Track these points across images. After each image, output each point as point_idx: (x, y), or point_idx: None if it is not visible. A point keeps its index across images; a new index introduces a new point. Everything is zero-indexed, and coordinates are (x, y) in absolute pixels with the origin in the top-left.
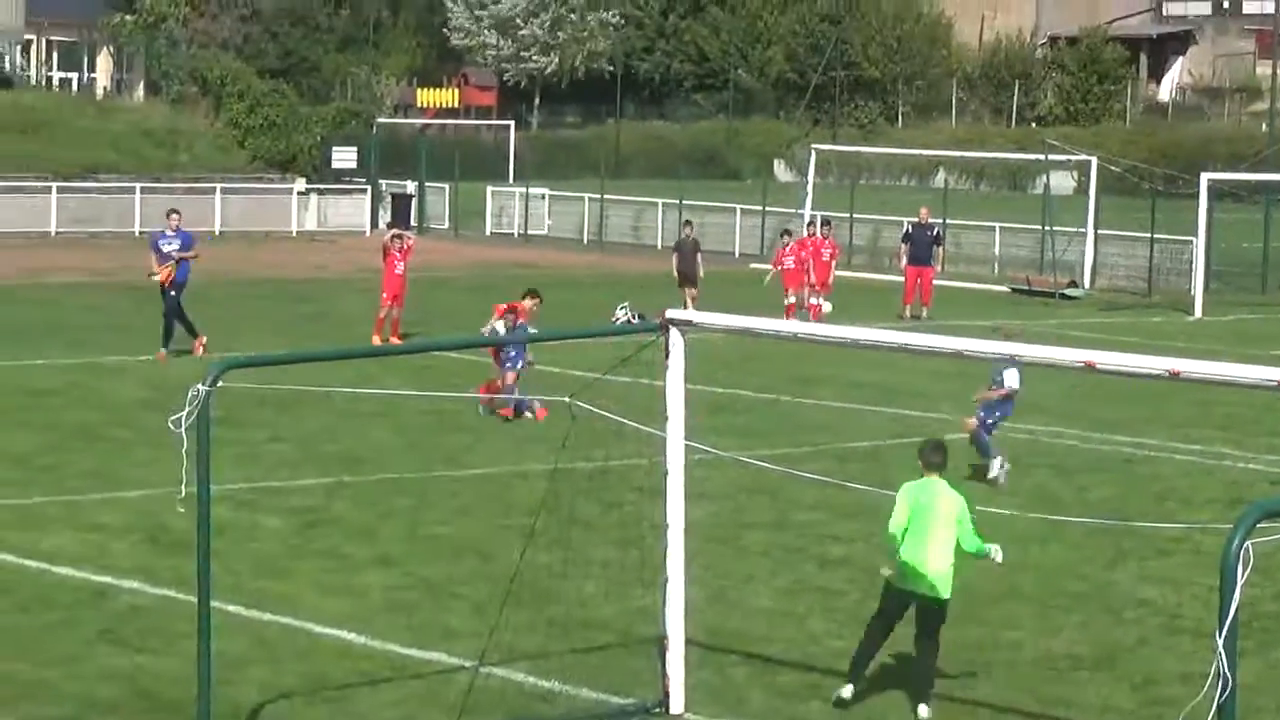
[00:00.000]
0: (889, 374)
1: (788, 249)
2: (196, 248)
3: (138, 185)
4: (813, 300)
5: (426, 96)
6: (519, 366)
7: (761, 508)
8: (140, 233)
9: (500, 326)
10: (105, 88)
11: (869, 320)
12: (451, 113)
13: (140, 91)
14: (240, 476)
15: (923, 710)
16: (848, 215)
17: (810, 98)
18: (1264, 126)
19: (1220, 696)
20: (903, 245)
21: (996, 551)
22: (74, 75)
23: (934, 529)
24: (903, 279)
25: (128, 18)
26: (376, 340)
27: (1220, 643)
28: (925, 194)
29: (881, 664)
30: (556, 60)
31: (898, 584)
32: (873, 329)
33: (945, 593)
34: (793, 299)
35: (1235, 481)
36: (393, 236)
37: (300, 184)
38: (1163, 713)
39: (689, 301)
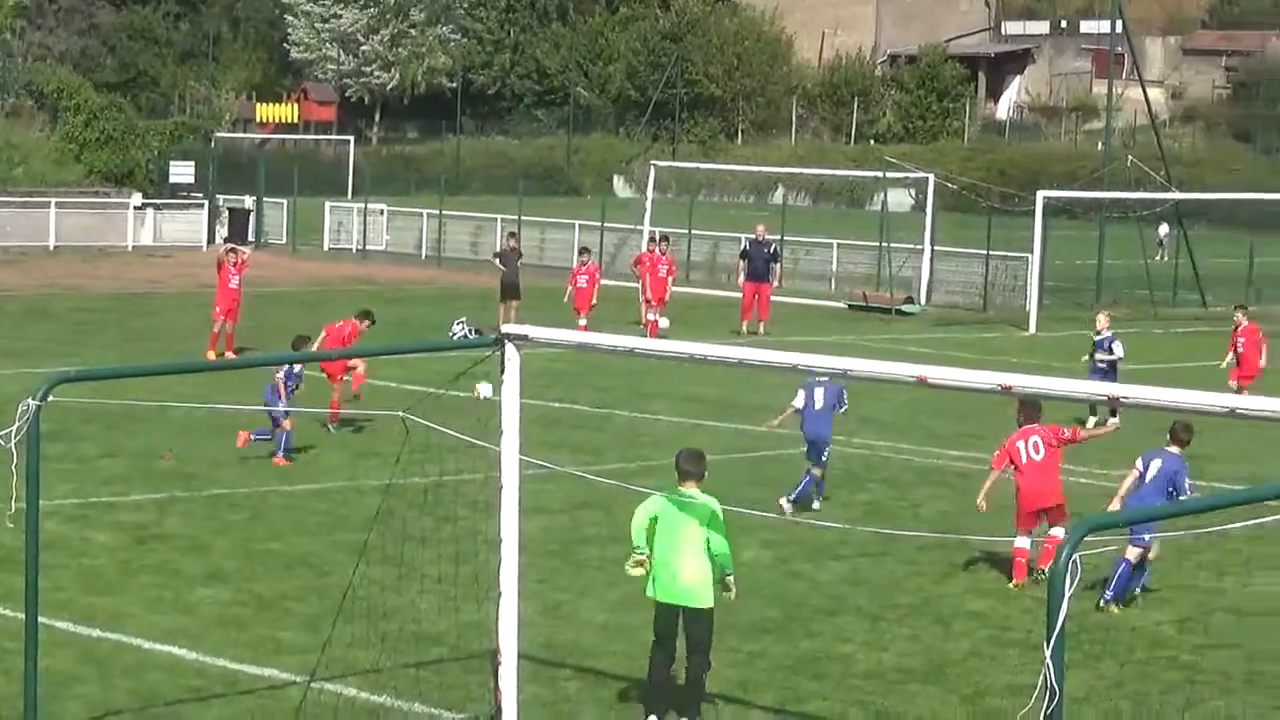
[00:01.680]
0: (726, 389)
1: (584, 267)
2: None
3: None
4: (650, 316)
5: (266, 111)
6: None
7: (596, 522)
8: None
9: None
10: None
11: (707, 335)
12: (291, 128)
13: None
14: (71, 492)
15: None
16: (686, 231)
17: (650, 114)
18: (1099, 145)
19: (1048, 708)
20: (741, 261)
21: (732, 584)
22: None
23: (686, 539)
24: (740, 295)
25: None
26: (212, 355)
27: (1048, 654)
28: (764, 211)
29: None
30: (397, 76)
31: (660, 597)
32: (710, 344)
33: (707, 601)
34: (584, 321)
35: (1067, 496)
36: (227, 250)
37: (137, 198)
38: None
39: (512, 314)
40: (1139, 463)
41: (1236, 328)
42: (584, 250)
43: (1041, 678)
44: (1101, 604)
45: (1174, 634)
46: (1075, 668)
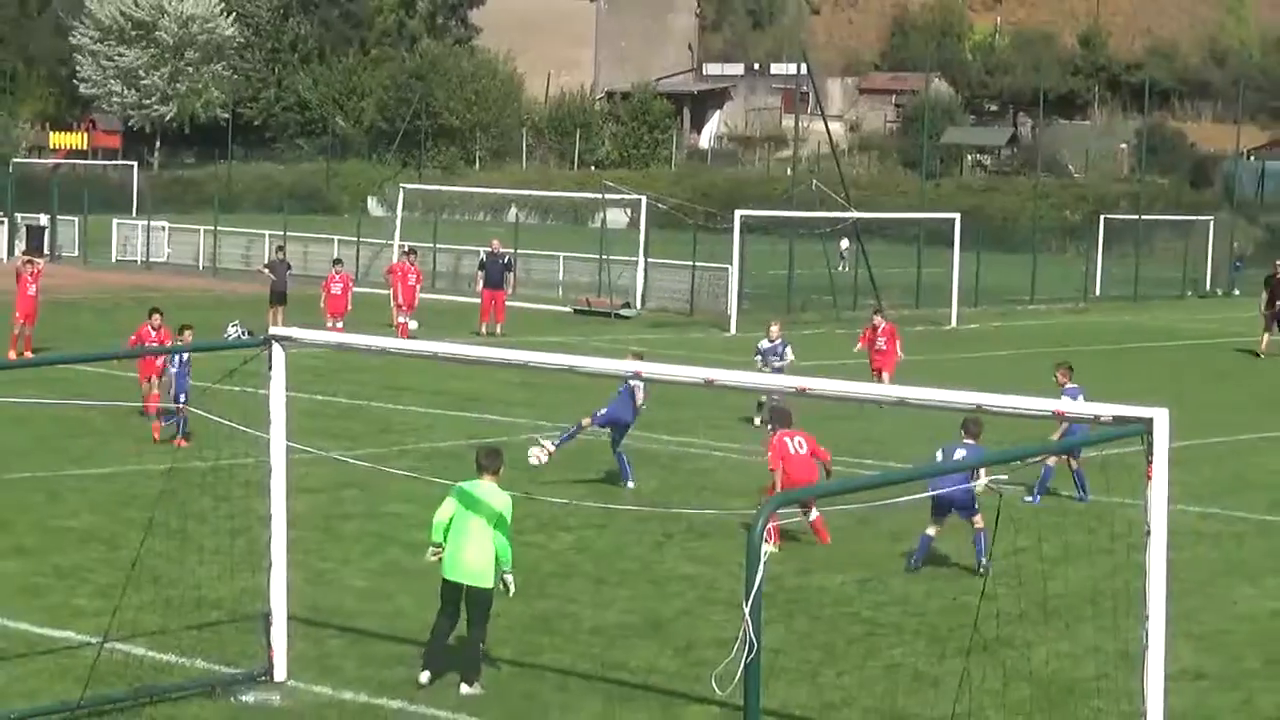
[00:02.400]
0: (467, 383)
1: (338, 276)
2: None
3: None
4: (400, 319)
5: (58, 139)
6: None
7: (355, 499)
8: None
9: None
10: None
11: (451, 336)
12: (81, 154)
13: None
14: None
15: (464, 689)
16: (432, 245)
17: (399, 143)
18: (788, 170)
19: (747, 658)
20: (479, 271)
21: (511, 581)
22: None
23: (475, 526)
24: (479, 300)
25: None
26: (12, 355)
27: (747, 612)
28: (499, 228)
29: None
30: (175, 108)
31: (447, 575)
32: (453, 344)
33: (487, 582)
34: (340, 324)
35: (763, 474)
36: (24, 262)
37: None
38: (701, 673)
39: (279, 318)
40: (939, 453)
41: (877, 327)
42: (337, 261)
43: (742, 632)
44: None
45: (856, 593)
46: (772, 624)
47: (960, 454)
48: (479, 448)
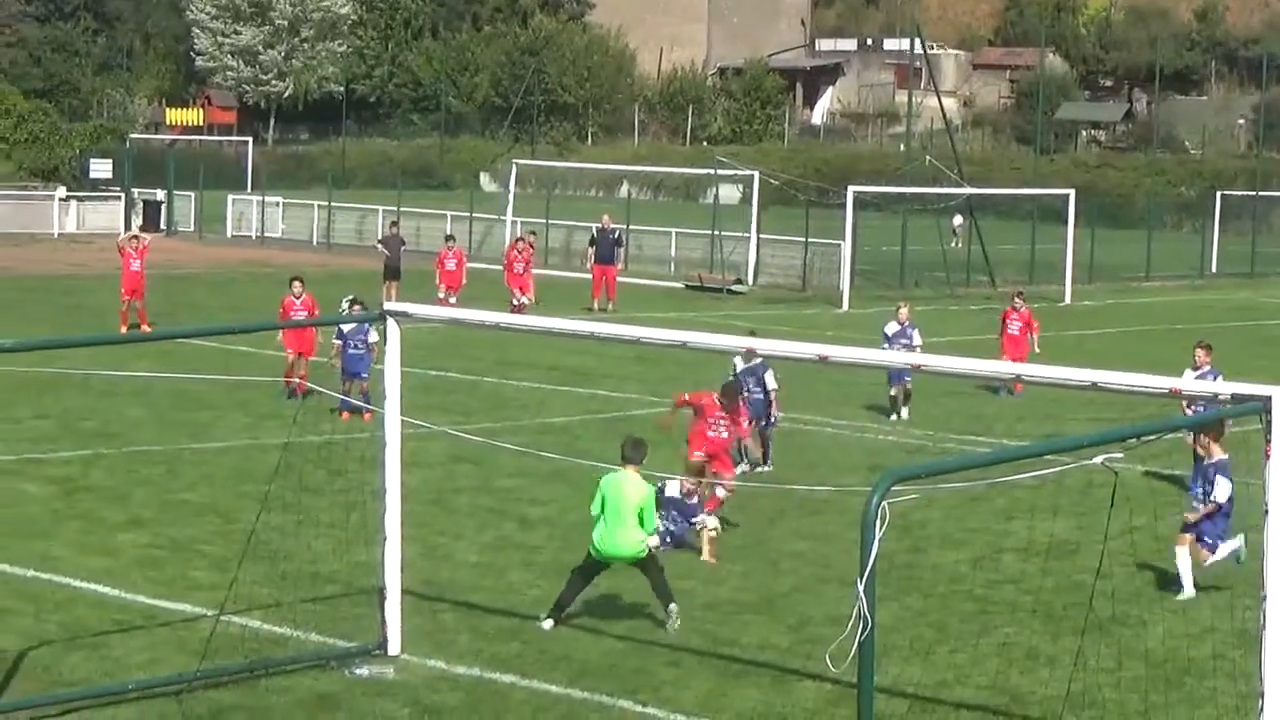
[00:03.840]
0: (581, 359)
1: (451, 251)
2: None
3: None
4: (515, 301)
5: (174, 115)
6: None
7: (468, 475)
8: None
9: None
10: None
11: (563, 312)
12: (196, 130)
13: None
14: (6, 450)
15: (673, 608)
16: (544, 221)
17: (512, 119)
18: (901, 147)
19: (861, 635)
20: (589, 248)
21: (651, 545)
22: None
23: (623, 513)
24: (590, 276)
25: None
26: (124, 329)
27: (861, 589)
28: (611, 204)
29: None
30: (290, 84)
31: (600, 555)
32: (565, 319)
33: (642, 553)
34: (454, 299)
35: (874, 451)
36: (129, 238)
37: (61, 191)
38: (813, 650)
39: (393, 293)
40: None
41: (1016, 309)
42: (449, 237)
43: (856, 609)
44: None
45: (969, 571)
46: (885, 601)
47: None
48: (625, 439)
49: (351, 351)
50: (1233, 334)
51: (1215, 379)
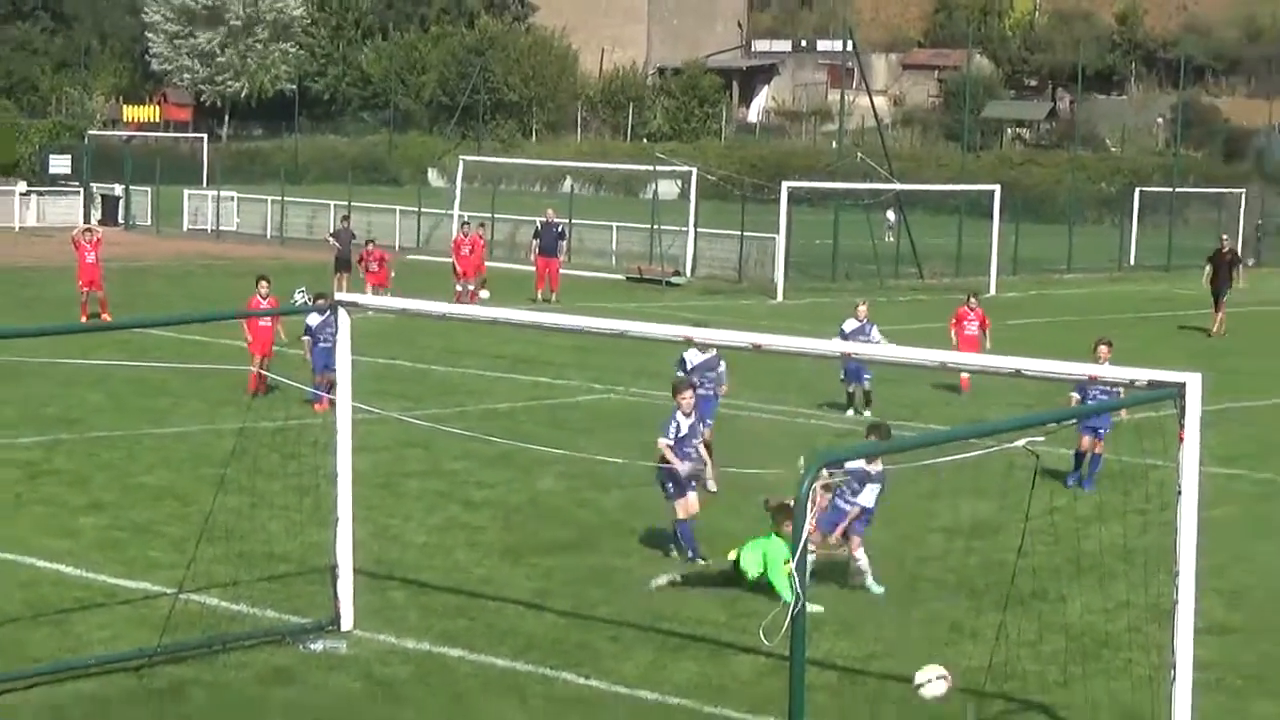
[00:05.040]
0: (524, 347)
1: (466, 238)
2: None
3: None
4: (459, 287)
5: (131, 112)
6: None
7: (417, 459)
8: None
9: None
10: None
11: (508, 302)
12: (153, 126)
13: None
14: None
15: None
16: (490, 215)
17: (458, 117)
18: (833, 144)
19: (794, 609)
20: (534, 240)
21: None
22: None
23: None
24: (534, 269)
25: None
26: (84, 319)
27: (794, 567)
28: (555, 198)
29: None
30: (245, 83)
31: (744, 575)
32: (509, 309)
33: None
34: (471, 286)
35: (807, 434)
36: (83, 231)
37: (22, 186)
38: (748, 624)
39: (344, 284)
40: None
41: (971, 310)
42: (465, 222)
43: (789, 586)
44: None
45: (896, 548)
46: (816, 578)
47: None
48: (773, 503)
49: (322, 344)
50: (1150, 324)
51: None
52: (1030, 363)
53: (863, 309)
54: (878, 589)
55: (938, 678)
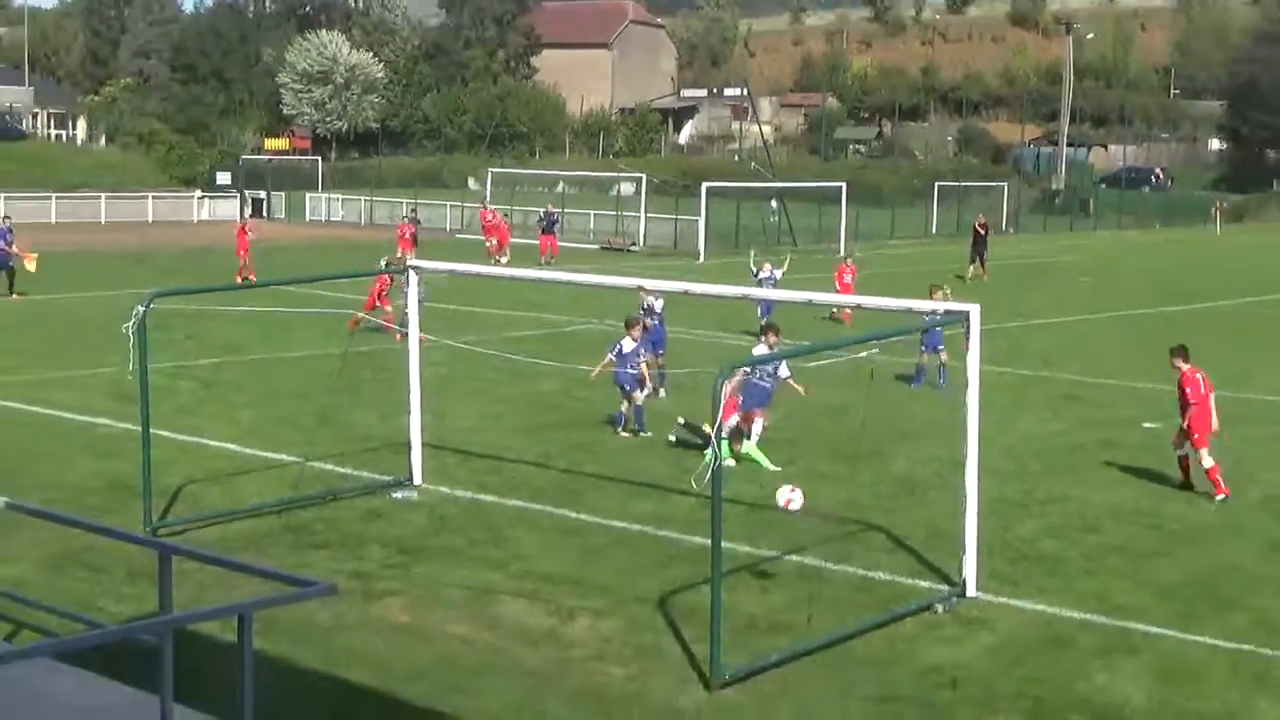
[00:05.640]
0: (534, 295)
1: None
2: (12, 239)
3: (103, 195)
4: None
5: (270, 143)
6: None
7: (462, 371)
8: (104, 221)
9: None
10: (82, 139)
11: (522, 266)
12: (284, 152)
13: (103, 141)
14: (165, 359)
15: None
16: (509, 208)
17: (488, 142)
18: (736, 158)
19: (714, 465)
20: (539, 224)
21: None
22: (62, 132)
23: None
24: (538, 243)
25: (95, 98)
26: (239, 280)
27: (714, 437)
28: (552, 196)
29: None
30: (346, 123)
31: None
32: (523, 270)
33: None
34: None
35: (725, 350)
36: (245, 221)
37: (198, 193)
38: (684, 476)
39: (414, 255)
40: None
41: (845, 268)
42: (484, 202)
43: (711, 447)
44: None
45: (782, 423)
46: (728, 444)
47: (760, 350)
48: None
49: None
50: (947, 274)
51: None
52: (869, 299)
53: (768, 265)
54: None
55: (791, 491)
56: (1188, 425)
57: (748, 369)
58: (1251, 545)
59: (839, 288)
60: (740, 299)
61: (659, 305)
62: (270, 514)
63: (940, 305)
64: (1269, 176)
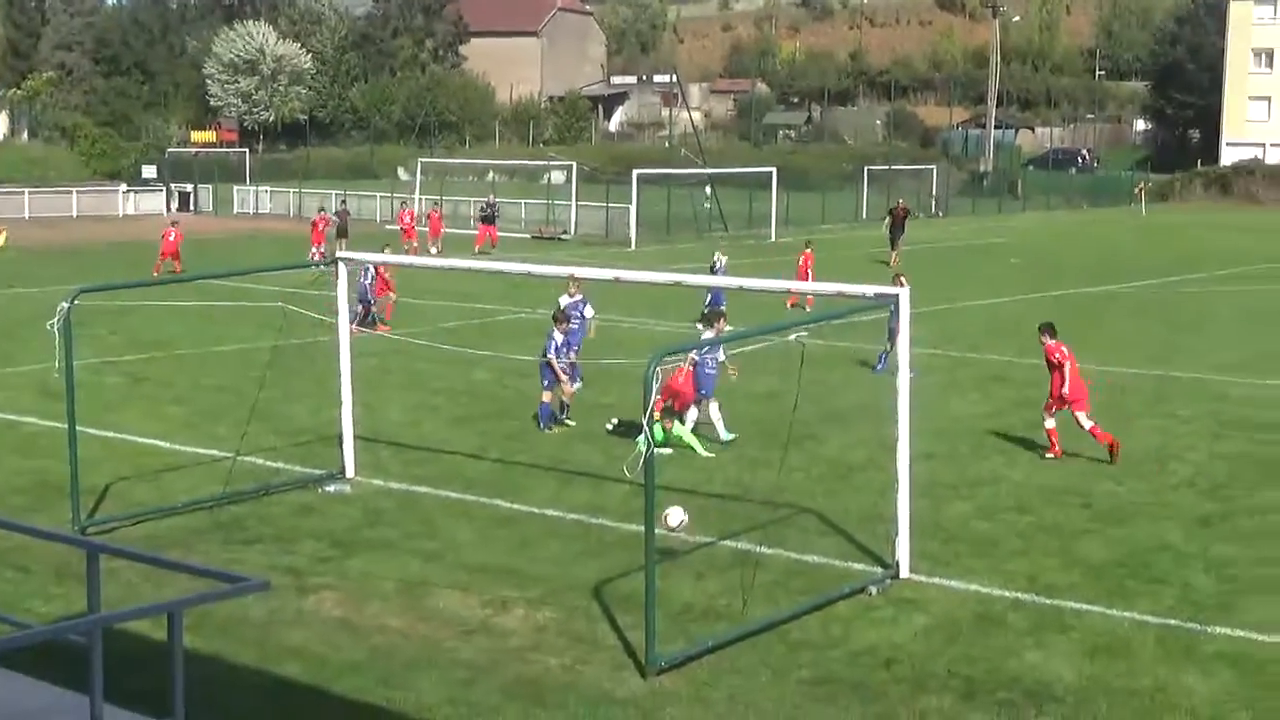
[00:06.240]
0: (468, 285)
1: (435, 211)
2: None
3: (26, 190)
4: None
5: (196, 135)
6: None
7: (395, 362)
8: (28, 216)
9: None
10: (3, 134)
11: (456, 255)
12: (211, 145)
13: (25, 136)
14: (91, 354)
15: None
16: (439, 198)
17: (418, 132)
18: (667, 144)
19: (647, 453)
20: (476, 214)
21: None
22: None
23: None
24: (475, 232)
25: (16, 91)
26: (155, 274)
27: (645, 422)
28: (483, 185)
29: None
30: (273, 113)
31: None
32: (458, 259)
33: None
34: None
35: (655, 337)
36: (172, 223)
37: (123, 187)
38: (617, 465)
39: (343, 247)
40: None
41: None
42: (436, 202)
43: (643, 435)
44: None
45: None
46: (659, 428)
47: (708, 337)
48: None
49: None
50: (877, 257)
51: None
52: (799, 284)
53: (723, 257)
54: (728, 436)
55: (672, 509)
56: (1067, 392)
57: (695, 356)
58: (1179, 523)
59: (799, 275)
60: (673, 285)
61: (589, 312)
62: (201, 510)
63: (851, 288)
64: (1193, 157)
